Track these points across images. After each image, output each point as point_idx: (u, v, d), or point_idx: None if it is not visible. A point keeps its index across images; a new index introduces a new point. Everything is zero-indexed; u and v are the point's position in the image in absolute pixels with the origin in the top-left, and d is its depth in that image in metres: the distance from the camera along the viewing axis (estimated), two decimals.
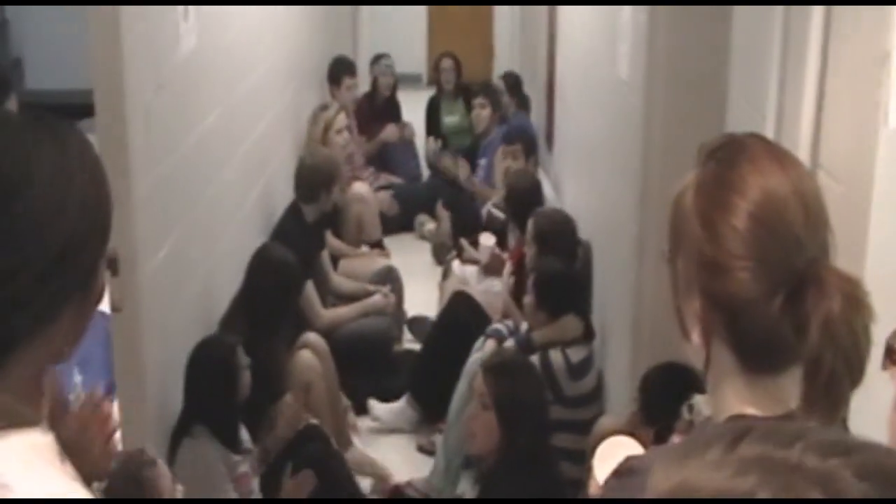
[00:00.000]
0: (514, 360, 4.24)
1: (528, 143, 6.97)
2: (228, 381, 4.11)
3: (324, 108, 7.15)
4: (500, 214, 6.85)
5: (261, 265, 4.83)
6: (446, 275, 6.67)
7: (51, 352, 1.39)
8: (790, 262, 1.40)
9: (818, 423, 1.35)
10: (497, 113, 7.94)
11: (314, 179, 5.83)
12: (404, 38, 12.80)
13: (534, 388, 4.07)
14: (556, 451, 4.41)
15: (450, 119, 9.02)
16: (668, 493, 0.76)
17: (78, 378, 5.25)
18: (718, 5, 3.25)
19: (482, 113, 7.91)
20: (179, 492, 3.35)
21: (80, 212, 1.36)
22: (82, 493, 1.33)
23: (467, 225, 7.09)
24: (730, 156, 1.48)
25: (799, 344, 1.39)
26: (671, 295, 1.52)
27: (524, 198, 5.98)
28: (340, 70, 8.07)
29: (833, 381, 1.34)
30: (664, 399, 3.11)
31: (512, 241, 6.23)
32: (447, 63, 9.02)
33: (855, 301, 1.37)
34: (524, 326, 5.15)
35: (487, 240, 6.30)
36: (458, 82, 9.01)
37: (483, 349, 5.09)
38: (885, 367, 1.38)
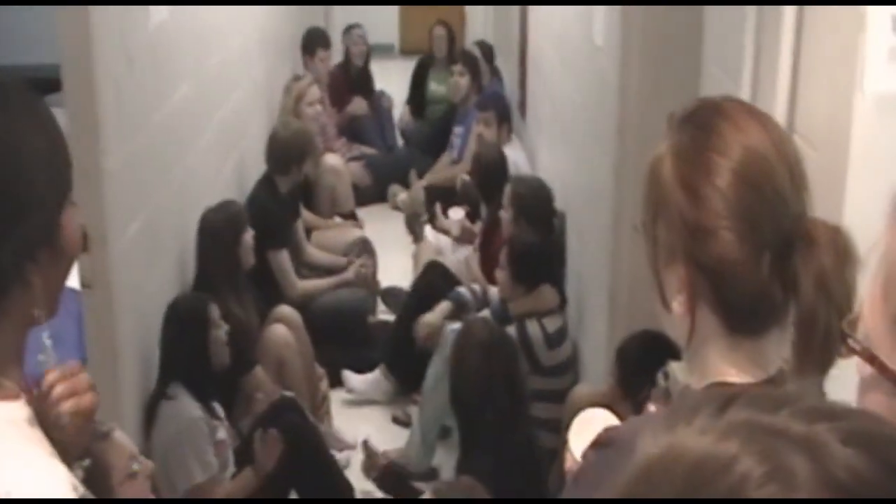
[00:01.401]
0: (485, 339, 4.22)
1: (501, 111, 6.92)
2: (201, 332, 4.13)
3: (297, 78, 7.10)
4: (472, 182, 6.84)
5: (200, 233, 4.79)
6: (417, 238, 6.67)
7: (25, 317, 1.36)
8: (777, 219, 1.39)
9: (811, 378, 1.35)
10: (476, 82, 7.88)
11: (286, 153, 5.79)
12: (376, 8, 12.73)
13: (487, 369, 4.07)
14: (533, 420, 4.42)
15: (437, 87, 8.95)
16: (655, 458, 0.76)
17: (48, 342, 5.22)
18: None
19: (461, 81, 7.85)
20: (139, 468, 3.31)
21: (32, 165, 1.33)
22: (60, 469, 1.31)
23: (442, 194, 7.06)
24: (706, 118, 1.46)
25: (786, 302, 1.39)
26: (650, 267, 1.50)
27: (490, 170, 5.97)
28: (314, 41, 8.01)
29: (828, 335, 1.34)
30: (641, 368, 3.11)
31: (483, 214, 6.23)
32: (440, 31, 8.95)
33: (844, 251, 1.36)
34: (491, 291, 5.17)
35: (456, 213, 6.29)
36: (450, 52, 8.94)
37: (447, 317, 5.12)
38: (842, 354, 1.39)
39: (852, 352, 1.05)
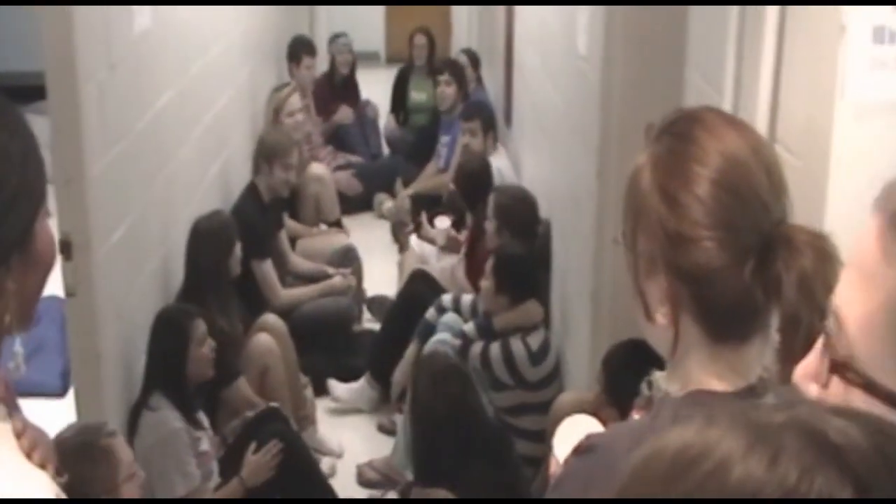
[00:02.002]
0: (441, 369, 4.24)
1: (487, 119, 6.92)
2: (185, 347, 4.12)
3: (277, 89, 7.10)
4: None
5: (191, 241, 4.78)
6: (402, 248, 6.66)
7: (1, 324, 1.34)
8: (757, 225, 1.39)
9: (790, 388, 1.36)
10: (462, 91, 7.88)
11: (258, 151, 5.82)
12: (362, 15, 12.73)
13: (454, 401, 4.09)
14: (518, 432, 4.43)
15: (417, 95, 8.97)
16: (640, 459, 0.76)
17: (20, 350, 5.23)
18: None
19: (447, 90, 7.84)
20: (139, 476, 3.33)
21: (3, 168, 1.32)
22: (45, 480, 1.30)
23: (428, 203, 7.06)
24: (684, 128, 1.47)
25: (767, 309, 1.39)
26: (631, 279, 1.50)
27: (473, 179, 5.98)
28: (300, 49, 8.01)
29: (811, 337, 1.34)
30: (627, 377, 3.11)
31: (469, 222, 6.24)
32: (420, 39, 8.94)
33: (825, 254, 1.37)
34: (465, 297, 5.16)
35: (443, 222, 6.28)
36: (430, 59, 8.94)
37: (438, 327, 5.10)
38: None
39: (853, 384, 1.05)
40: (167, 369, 4.10)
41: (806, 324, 1.34)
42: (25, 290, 1.35)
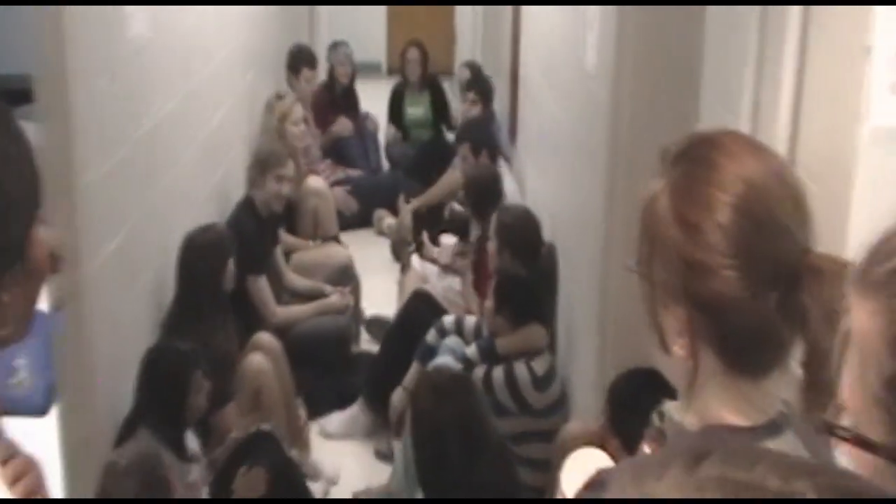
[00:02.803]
0: (444, 386, 4.18)
1: (479, 140, 6.67)
2: (180, 395, 4.06)
3: (279, 97, 7.10)
4: (462, 209, 6.83)
5: (184, 255, 4.77)
6: (404, 269, 6.64)
7: None
8: (782, 254, 1.38)
9: (819, 421, 1.35)
10: (487, 109, 7.87)
11: (253, 164, 5.82)
12: (363, 24, 12.76)
13: (456, 418, 4.05)
14: (522, 460, 4.41)
15: (413, 111, 8.99)
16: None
17: (22, 361, 5.21)
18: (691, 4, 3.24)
19: (472, 110, 7.84)
20: None
21: (4, 172, 1.31)
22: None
23: (430, 221, 7.04)
24: (703, 153, 1.45)
25: (791, 341, 1.38)
26: (646, 309, 1.49)
27: (483, 188, 5.94)
28: (300, 60, 8.02)
29: (840, 373, 1.33)
30: (634, 407, 3.10)
31: (473, 235, 6.21)
32: (413, 53, 8.94)
33: None
34: (469, 319, 5.14)
35: (448, 239, 6.25)
36: (423, 73, 8.95)
37: (440, 348, 5.08)
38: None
39: (843, 440, 1.05)
40: (161, 414, 4.01)
41: (835, 359, 1.32)
42: (20, 300, 1.35)
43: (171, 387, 4.05)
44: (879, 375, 1.01)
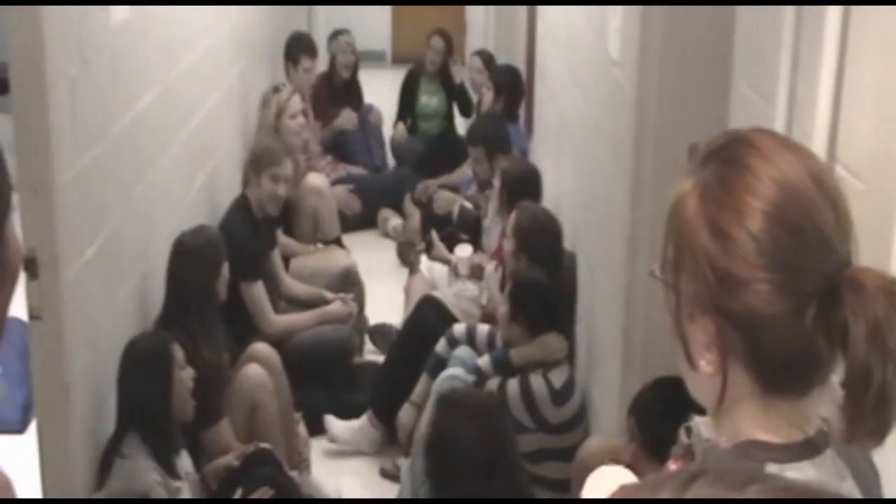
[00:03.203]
0: (465, 403, 4.16)
1: (492, 142, 6.62)
2: (162, 376, 4.08)
3: (276, 90, 7.10)
4: (472, 208, 6.81)
5: (174, 260, 4.77)
6: (412, 270, 6.63)
7: None
8: (820, 265, 1.36)
9: (863, 445, 1.33)
10: (504, 101, 7.86)
11: (248, 162, 5.84)
12: (366, 11, 12.75)
13: (479, 438, 4.02)
14: (538, 480, 4.40)
15: (427, 100, 9.00)
16: None
17: None
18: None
19: (487, 100, 7.87)
20: None
21: None
22: None
23: (439, 224, 7.02)
24: (735, 152, 1.44)
25: (830, 360, 1.36)
26: (672, 319, 1.47)
27: (521, 181, 5.83)
28: (298, 48, 8.02)
29: (884, 395, 1.32)
30: (660, 422, 3.08)
31: (490, 239, 6.20)
32: (438, 43, 8.97)
33: None
34: (481, 328, 5.14)
35: (464, 250, 6.18)
36: (443, 64, 8.97)
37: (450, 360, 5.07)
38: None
39: None
40: (145, 408, 4.06)
41: (878, 380, 1.31)
42: None
43: (152, 367, 4.10)
44: None
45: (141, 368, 4.11)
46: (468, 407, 4.04)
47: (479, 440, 3.90)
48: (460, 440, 3.89)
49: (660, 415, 3.31)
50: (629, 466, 2.28)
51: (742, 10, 2.87)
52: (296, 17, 9.63)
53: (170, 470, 4.09)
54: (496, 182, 6.02)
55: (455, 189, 7.65)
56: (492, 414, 4.08)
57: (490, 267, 5.65)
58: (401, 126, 9.03)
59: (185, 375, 4.18)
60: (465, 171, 7.60)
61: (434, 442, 3.98)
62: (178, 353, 4.18)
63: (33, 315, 3.66)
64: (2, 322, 1.41)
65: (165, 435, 4.12)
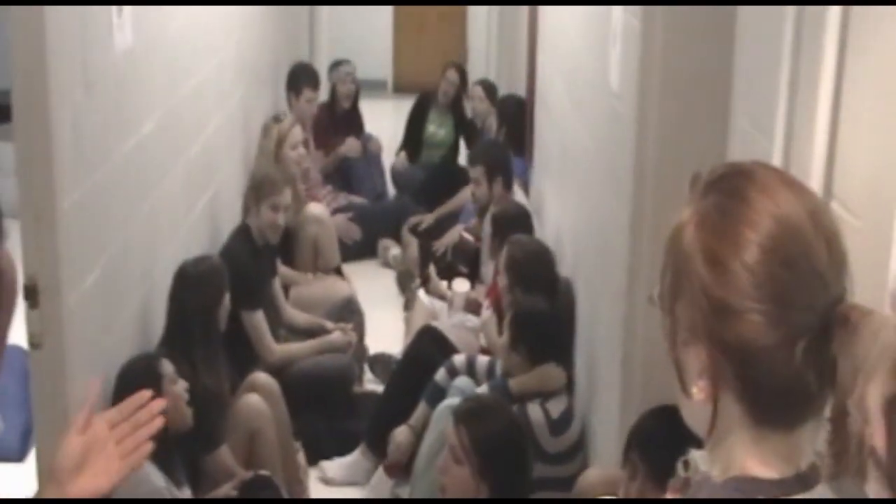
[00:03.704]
0: (487, 404, 4.21)
1: (493, 163, 6.62)
2: (151, 387, 4.09)
3: (277, 119, 7.13)
4: (470, 239, 6.82)
5: (176, 287, 4.79)
6: (409, 305, 6.64)
7: None
8: (813, 301, 1.39)
9: (847, 481, 1.34)
10: (516, 134, 7.92)
11: (248, 190, 5.85)
12: (367, 39, 12.80)
13: (513, 434, 4.04)
14: None
15: (435, 130, 9.03)
16: None
17: None
18: (720, 5, 3.26)
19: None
20: None
21: None
22: None
23: (437, 254, 7.04)
24: (735, 185, 1.46)
25: (822, 393, 1.38)
26: (668, 346, 1.50)
27: (511, 224, 5.91)
28: (301, 78, 8.05)
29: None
30: (664, 450, 3.08)
31: (488, 271, 6.21)
32: (453, 76, 9.04)
33: (891, 345, 1.35)
34: (481, 359, 5.14)
35: (461, 286, 6.18)
36: (456, 97, 9.02)
37: (450, 391, 5.07)
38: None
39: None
40: None
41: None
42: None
43: (140, 382, 4.09)
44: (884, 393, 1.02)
45: (131, 388, 4.12)
46: (489, 405, 4.10)
47: (515, 426, 3.96)
48: (502, 433, 3.93)
49: (663, 444, 3.31)
50: (626, 496, 2.29)
51: (741, 44, 2.90)
52: (298, 46, 9.67)
53: (174, 480, 4.11)
54: (486, 227, 6.07)
55: (454, 218, 7.66)
56: (509, 409, 4.17)
57: (487, 312, 5.67)
58: (402, 154, 9.06)
59: (178, 388, 4.20)
60: (464, 197, 7.61)
61: (480, 446, 3.99)
62: (168, 367, 4.20)
63: (33, 343, 3.65)
64: (2, 344, 1.44)
65: (164, 446, 4.14)
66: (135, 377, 4.15)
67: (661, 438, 3.30)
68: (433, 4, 13.18)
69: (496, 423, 4.00)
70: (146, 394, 2.05)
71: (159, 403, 2.04)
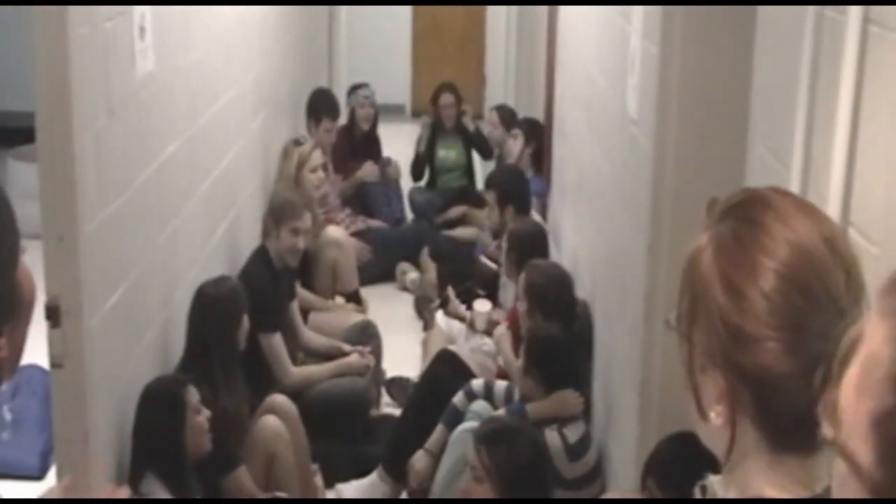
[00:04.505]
0: (509, 426, 4.22)
1: (505, 189, 6.72)
2: (177, 418, 4.12)
3: (297, 142, 7.15)
4: (491, 264, 6.83)
5: (195, 309, 4.81)
6: (427, 326, 6.64)
7: None
8: (829, 330, 1.39)
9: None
10: (537, 153, 7.94)
11: (268, 213, 5.87)
12: (386, 64, 12.85)
13: (535, 455, 4.05)
14: None
15: (445, 154, 9.03)
16: None
17: (7, 416, 5.26)
18: (738, 8, 3.27)
19: (514, 146, 7.94)
20: None
21: None
22: None
23: (456, 278, 7.05)
24: (752, 211, 1.47)
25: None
26: (685, 371, 1.51)
27: (527, 244, 5.92)
28: (321, 108, 8.09)
29: None
30: (682, 478, 3.08)
31: (507, 295, 6.21)
32: (447, 99, 9.01)
33: None
34: (499, 384, 5.15)
35: (482, 305, 6.18)
36: (458, 117, 9.03)
37: (468, 415, 5.07)
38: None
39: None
40: (160, 446, 4.10)
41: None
42: (16, 342, 1.40)
43: (165, 407, 4.15)
44: (874, 407, 1.02)
45: (155, 411, 4.15)
46: (509, 429, 4.09)
47: (534, 450, 3.95)
48: (523, 454, 3.94)
49: (680, 471, 3.31)
50: None
51: (758, 70, 2.91)
52: (318, 70, 9.70)
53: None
54: (504, 244, 6.08)
55: (471, 244, 7.68)
56: (530, 431, 4.16)
57: (501, 328, 5.68)
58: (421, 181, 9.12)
59: (201, 419, 4.22)
60: (481, 220, 7.66)
61: (502, 467, 3.98)
62: (193, 396, 4.22)
63: (55, 363, 3.68)
64: (17, 359, 1.46)
65: (182, 473, 4.15)
66: (160, 405, 4.16)
67: (678, 465, 3.30)
68: (452, 4, 13.20)
69: (517, 444, 4.02)
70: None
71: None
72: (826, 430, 1.07)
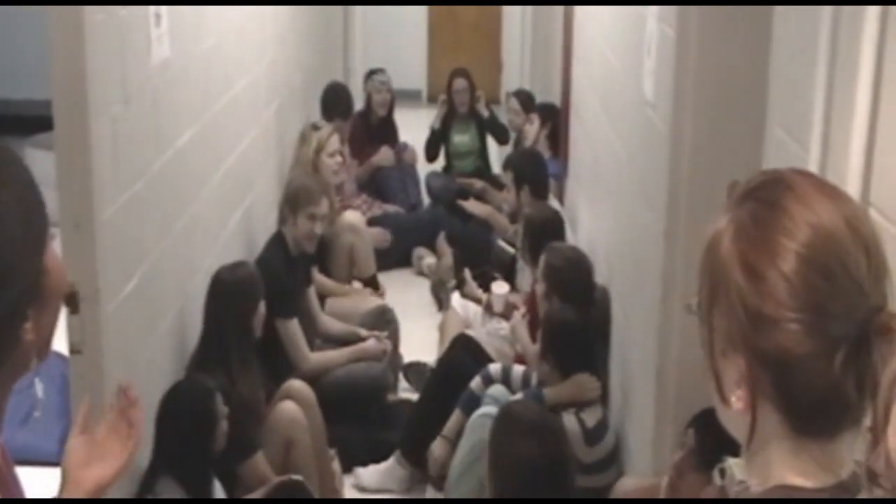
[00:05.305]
0: (525, 418, 4.15)
1: (522, 171, 6.69)
2: (204, 430, 4.10)
3: (315, 127, 7.14)
4: (508, 248, 6.82)
5: (212, 294, 4.81)
6: (442, 307, 6.64)
7: (15, 372, 1.44)
8: (851, 310, 1.37)
9: (884, 494, 1.33)
10: (553, 134, 7.94)
11: (284, 200, 5.88)
12: (402, 50, 12.85)
13: (542, 453, 3.99)
14: None
15: (459, 139, 9.03)
16: None
17: (40, 394, 5.28)
18: (755, 5, 3.25)
19: (529, 129, 7.95)
20: None
21: (7, 231, 1.37)
22: None
23: (473, 262, 7.04)
24: (772, 193, 1.45)
25: (861, 403, 1.37)
26: (705, 354, 1.49)
27: (543, 229, 5.91)
28: (334, 106, 8.10)
29: None
30: (719, 440, 3.02)
31: (524, 279, 6.20)
32: (460, 83, 9.01)
33: None
34: (517, 369, 5.14)
35: (500, 287, 6.16)
36: (471, 102, 9.02)
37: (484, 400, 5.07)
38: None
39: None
40: (184, 455, 4.07)
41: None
42: (44, 328, 1.42)
43: (197, 424, 4.10)
44: None
45: (184, 422, 4.10)
46: (527, 422, 4.05)
47: (537, 456, 3.90)
48: (520, 456, 3.90)
49: (720, 435, 3.26)
50: (673, 472, 2.25)
51: (776, 52, 2.89)
52: (333, 56, 9.69)
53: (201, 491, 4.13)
54: (519, 229, 6.07)
55: (489, 228, 7.67)
56: (550, 430, 4.10)
57: (517, 314, 5.66)
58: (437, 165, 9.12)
59: (224, 424, 4.20)
60: (497, 201, 7.68)
61: (494, 458, 3.97)
62: (220, 403, 4.19)
63: (74, 349, 3.69)
64: (47, 344, 1.48)
65: (203, 480, 4.14)
66: (189, 416, 4.12)
67: (720, 429, 3.25)
68: (469, 4, 13.19)
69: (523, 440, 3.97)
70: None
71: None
72: (885, 482, 1.04)
